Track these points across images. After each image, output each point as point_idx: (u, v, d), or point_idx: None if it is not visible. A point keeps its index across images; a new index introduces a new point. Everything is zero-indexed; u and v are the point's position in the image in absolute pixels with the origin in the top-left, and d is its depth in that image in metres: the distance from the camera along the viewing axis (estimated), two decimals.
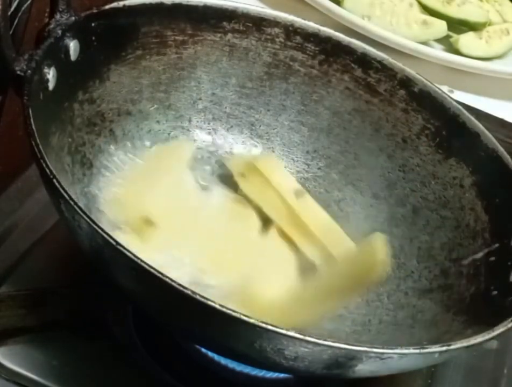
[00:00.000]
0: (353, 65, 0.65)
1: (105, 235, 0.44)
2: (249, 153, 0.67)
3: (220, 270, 0.57)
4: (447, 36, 0.96)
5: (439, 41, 0.96)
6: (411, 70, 0.65)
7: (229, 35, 0.64)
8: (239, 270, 0.57)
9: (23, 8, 0.59)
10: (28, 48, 0.53)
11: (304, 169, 0.67)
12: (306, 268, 0.60)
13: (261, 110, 0.67)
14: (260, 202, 0.62)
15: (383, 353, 0.44)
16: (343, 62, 0.65)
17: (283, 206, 0.63)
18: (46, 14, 0.57)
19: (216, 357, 0.54)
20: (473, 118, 0.62)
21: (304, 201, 0.63)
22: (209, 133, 0.66)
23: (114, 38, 0.59)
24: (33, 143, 0.47)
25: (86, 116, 0.58)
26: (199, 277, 0.56)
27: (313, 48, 0.65)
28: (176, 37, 0.62)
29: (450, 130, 0.63)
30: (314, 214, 0.63)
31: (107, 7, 0.57)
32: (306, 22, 0.65)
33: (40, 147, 0.47)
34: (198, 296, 0.42)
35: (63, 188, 0.45)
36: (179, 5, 0.61)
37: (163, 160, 0.63)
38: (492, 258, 0.57)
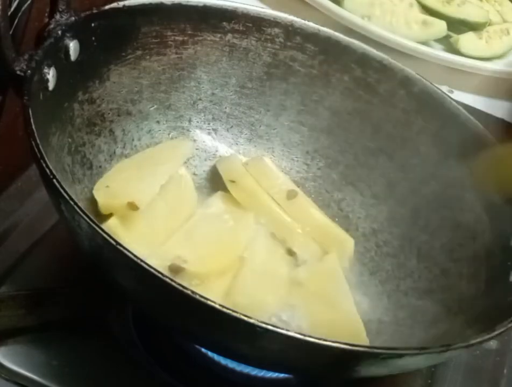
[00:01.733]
0: (352, 65, 0.65)
1: (105, 235, 0.44)
2: (247, 154, 0.67)
3: (201, 260, 0.57)
4: (447, 36, 0.96)
5: (439, 41, 0.96)
6: (411, 70, 0.65)
7: (229, 35, 0.64)
8: (220, 263, 0.57)
9: (23, 8, 0.59)
10: (28, 48, 0.53)
11: (304, 169, 0.67)
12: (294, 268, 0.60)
13: (261, 111, 0.67)
14: (251, 207, 0.62)
15: (383, 353, 0.44)
16: (343, 62, 0.65)
17: (274, 209, 0.63)
18: (46, 14, 0.57)
19: (216, 357, 0.54)
20: (472, 118, 0.62)
21: (296, 202, 0.63)
22: (209, 133, 0.66)
23: (114, 39, 0.59)
24: (33, 143, 0.47)
25: (86, 117, 0.58)
26: (179, 264, 0.55)
27: (313, 48, 0.65)
28: (176, 38, 0.62)
29: (450, 130, 0.63)
30: (306, 214, 0.63)
31: (107, 7, 0.57)
32: (306, 22, 0.65)
33: (40, 147, 0.47)
34: (198, 296, 0.42)
35: (63, 188, 0.45)
36: (179, 5, 0.61)
37: (160, 155, 0.63)
38: (492, 258, 0.57)
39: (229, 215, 0.61)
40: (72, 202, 0.45)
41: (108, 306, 0.56)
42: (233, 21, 0.64)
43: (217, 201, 0.63)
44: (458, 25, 0.97)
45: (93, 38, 0.57)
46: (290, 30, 0.65)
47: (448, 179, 0.62)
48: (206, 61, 0.64)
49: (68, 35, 0.54)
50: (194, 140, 0.66)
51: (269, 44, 0.65)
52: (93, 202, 0.57)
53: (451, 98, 0.64)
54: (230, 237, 0.60)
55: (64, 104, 0.56)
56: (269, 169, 0.66)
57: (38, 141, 0.47)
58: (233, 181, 0.64)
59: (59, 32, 0.54)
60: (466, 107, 0.64)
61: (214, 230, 0.60)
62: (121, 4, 0.58)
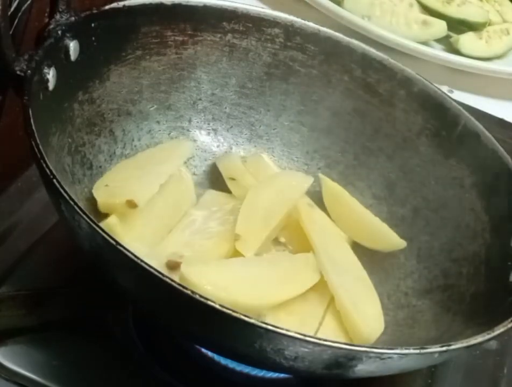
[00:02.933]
0: (352, 65, 0.65)
1: (105, 235, 0.44)
2: (247, 154, 0.67)
3: (196, 255, 0.57)
4: (447, 36, 0.96)
5: (439, 41, 0.96)
6: (411, 70, 0.65)
7: (229, 36, 0.64)
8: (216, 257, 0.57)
9: (23, 8, 0.59)
10: (28, 48, 0.53)
11: (304, 169, 0.67)
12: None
13: (261, 111, 0.67)
14: None
15: (383, 353, 0.44)
16: (343, 62, 0.65)
17: None
18: (46, 14, 0.57)
19: (216, 357, 0.54)
20: (472, 118, 0.62)
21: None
22: (209, 133, 0.66)
23: (114, 39, 0.59)
24: (33, 143, 0.47)
25: (86, 117, 0.58)
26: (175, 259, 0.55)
27: (313, 48, 0.65)
28: (176, 38, 0.62)
29: (450, 130, 0.63)
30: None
31: (107, 7, 0.57)
32: (306, 22, 0.65)
33: (40, 147, 0.47)
34: (197, 296, 0.42)
35: (63, 188, 0.45)
36: (179, 5, 0.61)
37: (160, 155, 0.63)
38: (492, 258, 0.57)
39: (221, 213, 0.61)
40: (72, 202, 0.45)
41: (108, 306, 0.56)
42: (233, 21, 0.64)
43: (209, 199, 0.63)
44: (458, 25, 0.97)
45: (93, 38, 0.57)
46: (290, 31, 0.65)
47: (448, 179, 0.62)
48: (206, 61, 0.64)
49: (68, 35, 0.54)
50: (194, 140, 0.66)
51: (269, 45, 0.65)
52: (93, 202, 0.57)
53: (451, 98, 0.64)
54: (224, 233, 0.59)
55: (64, 104, 0.56)
56: (267, 166, 0.66)
57: (38, 141, 0.47)
58: (233, 179, 0.64)
59: (59, 32, 0.54)
60: (466, 107, 0.64)
61: (208, 227, 0.60)
62: (121, 4, 0.58)
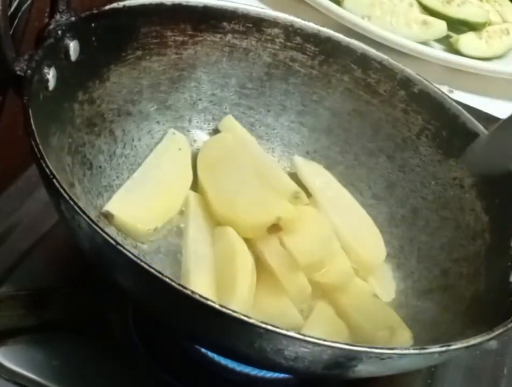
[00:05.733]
0: (352, 65, 0.65)
1: (105, 235, 0.44)
2: None
3: None
4: (447, 36, 0.96)
5: (439, 41, 0.96)
6: (411, 71, 0.65)
7: (229, 36, 0.64)
8: None
9: (23, 8, 0.59)
10: (28, 48, 0.53)
11: None
12: None
13: (261, 111, 0.67)
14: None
15: (382, 353, 0.44)
16: (343, 62, 0.65)
17: None
18: (46, 14, 0.57)
19: (216, 357, 0.54)
20: (472, 118, 0.62)
21: None
22: (209, 133, 0.66)
23: (114, 39, 0.59)
24: (33, 143, 0.47)
25: (86, 117, 0.58)
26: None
27: (313, 48, 0.65)
28: (176, 38, 0.62)
29: (450, 130, 0.63)
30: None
31: (107, 7, 0.57)
32: (306, 22, 0.65)
33: (40, 147, 0.47)
34: (197, 296, 0.42)
35: (63, 188, 0.45)
36: (179, 6, 0.61)
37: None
38: (492, 259, 0.57)
39: None
40: (72, 202, 0.45)
41: (108, 306, 0.56)
42: (233, 22, 0.64)
43: None
44: (458, 25, 0.97)
45: (93, 38, 0.57)
46: (290, 31, 0.65)
47: (448, 179, 0.62)
48: (206, 61, 0.64)
49: (68, 35, 0.54)
50: (194, 140, 0.66)
51: (269, 45, 0.65)
52: None
53: (451, 98, 0.64)
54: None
55: (64, 104, 0.56)
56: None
57: (38, 141, 0.47)
58: None
59: (59, 32, 0.54)
60: (466, 107, 0.64)
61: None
62: (121, 4, 0.58)
